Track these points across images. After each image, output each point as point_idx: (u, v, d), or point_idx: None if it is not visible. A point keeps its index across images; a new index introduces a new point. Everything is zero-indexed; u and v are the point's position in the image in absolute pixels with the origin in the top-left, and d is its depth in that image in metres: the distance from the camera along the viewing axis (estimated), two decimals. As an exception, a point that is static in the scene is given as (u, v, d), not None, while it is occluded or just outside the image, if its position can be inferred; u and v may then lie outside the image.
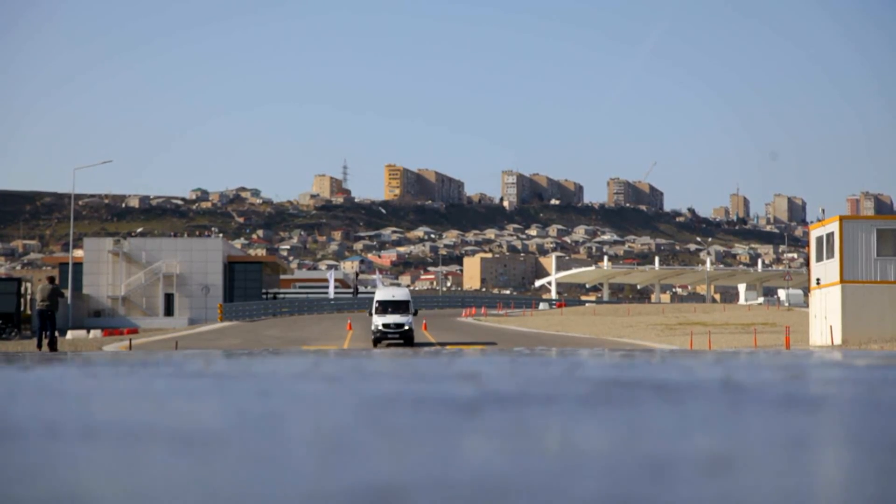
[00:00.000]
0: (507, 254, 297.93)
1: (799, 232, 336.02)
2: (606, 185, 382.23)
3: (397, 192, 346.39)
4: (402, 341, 44.02)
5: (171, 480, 4.05)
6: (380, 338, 44.13)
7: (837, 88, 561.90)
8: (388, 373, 12.50)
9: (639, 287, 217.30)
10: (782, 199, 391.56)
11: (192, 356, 18.86)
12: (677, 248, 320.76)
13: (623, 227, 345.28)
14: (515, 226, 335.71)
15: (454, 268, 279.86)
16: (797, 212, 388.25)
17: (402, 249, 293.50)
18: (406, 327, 44.16)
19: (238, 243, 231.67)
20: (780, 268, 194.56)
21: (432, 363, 15.11)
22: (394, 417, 6.41)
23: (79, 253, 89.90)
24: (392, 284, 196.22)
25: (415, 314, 46.05)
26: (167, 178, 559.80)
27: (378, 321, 44.81)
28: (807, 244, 57.60)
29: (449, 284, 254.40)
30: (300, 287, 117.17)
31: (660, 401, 7.64)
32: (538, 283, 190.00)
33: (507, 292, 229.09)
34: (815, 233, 41.27)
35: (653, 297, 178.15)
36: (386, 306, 45.39)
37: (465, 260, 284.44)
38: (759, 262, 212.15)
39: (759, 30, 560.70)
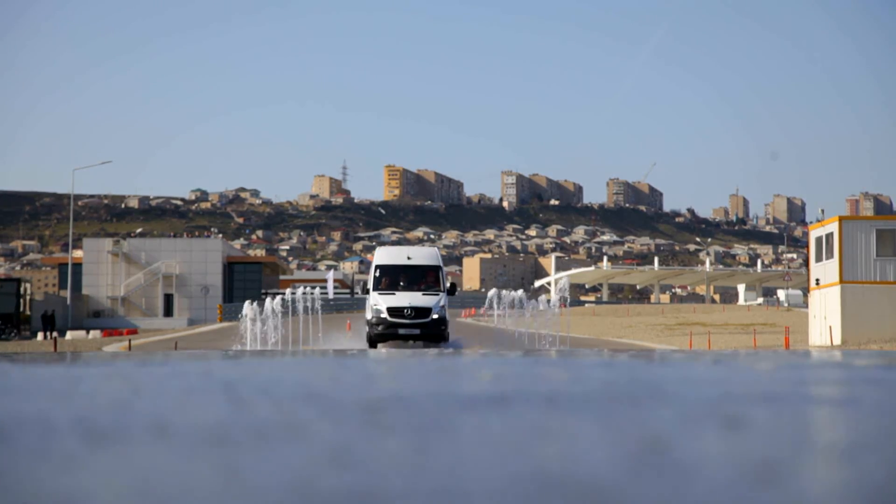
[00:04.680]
0: (507, 254, 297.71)
1: (798, 232, 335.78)
2: (606, 185, 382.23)
3: (397, 192, 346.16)
4: (422, 339, 26.93)
5: None
6: (384, 333, 26.57)
7: (837, 88, 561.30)
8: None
9: (638, 287, 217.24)
10: (782, 200, 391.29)
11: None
12: (677, 248, 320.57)
13: (622, 228, 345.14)
14: (515, 226, 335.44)
15: (454, 268, 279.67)
16: (797, 212, 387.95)
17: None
18: (434, 315, 26.55)
19: (237, 244, 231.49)
20: (780, 268, 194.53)
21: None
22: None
23: (78, 253, 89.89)
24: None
25: (450, 293, 28.22)
26: (167, 179, 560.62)
27: (381, 303, 26.67)
28: (806, 245, 57.61)
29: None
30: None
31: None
32: (538, 283, 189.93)
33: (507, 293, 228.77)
34: (815, 233, 41.26)
35: (652, 297, 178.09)
36: (395, 276, 27.44)
37: (465, 260, 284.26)
38: (759, 262, 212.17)
39: (759, 30, 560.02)
